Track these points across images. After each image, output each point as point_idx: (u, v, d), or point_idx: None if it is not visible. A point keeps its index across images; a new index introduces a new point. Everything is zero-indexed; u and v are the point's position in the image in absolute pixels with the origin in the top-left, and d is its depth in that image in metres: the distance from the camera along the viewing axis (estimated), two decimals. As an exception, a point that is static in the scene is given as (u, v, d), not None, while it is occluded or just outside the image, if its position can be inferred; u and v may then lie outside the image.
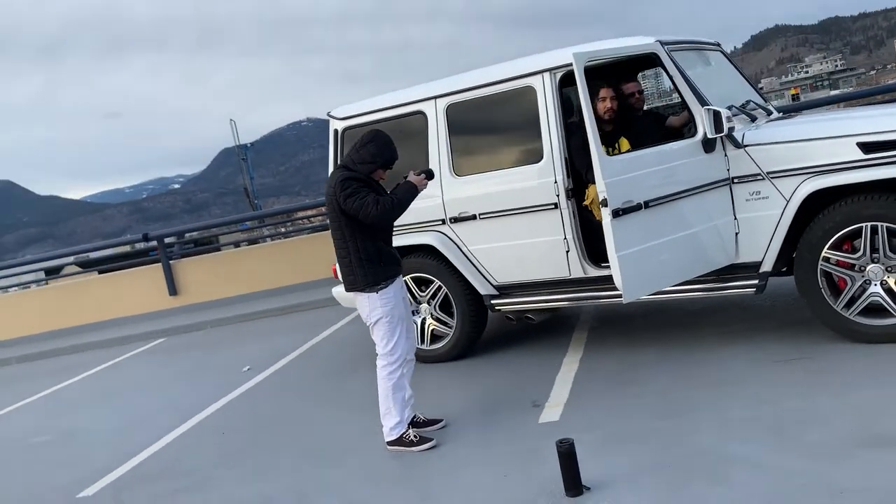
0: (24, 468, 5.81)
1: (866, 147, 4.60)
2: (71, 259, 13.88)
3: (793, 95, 68.06)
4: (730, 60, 6.29)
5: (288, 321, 9.46)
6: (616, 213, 4.52)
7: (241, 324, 10.10)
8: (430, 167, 4.73)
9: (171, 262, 11.49)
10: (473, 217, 5.85)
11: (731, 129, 4.81)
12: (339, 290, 6.65)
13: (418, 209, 6.02)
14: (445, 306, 6.11)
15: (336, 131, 6.45)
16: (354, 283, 4.48)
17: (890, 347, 4.56)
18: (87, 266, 14.95)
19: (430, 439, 4.54)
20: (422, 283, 6.17)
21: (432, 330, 6.20)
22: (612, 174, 4.56)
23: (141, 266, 12.15)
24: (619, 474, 3.70)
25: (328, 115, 6.50)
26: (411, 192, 4.49)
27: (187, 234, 16.20)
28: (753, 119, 5.38)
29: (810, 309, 4.90)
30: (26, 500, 5.10)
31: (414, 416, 4.76)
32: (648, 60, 5.35)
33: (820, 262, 4.77)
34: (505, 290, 5.92)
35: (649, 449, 3.92)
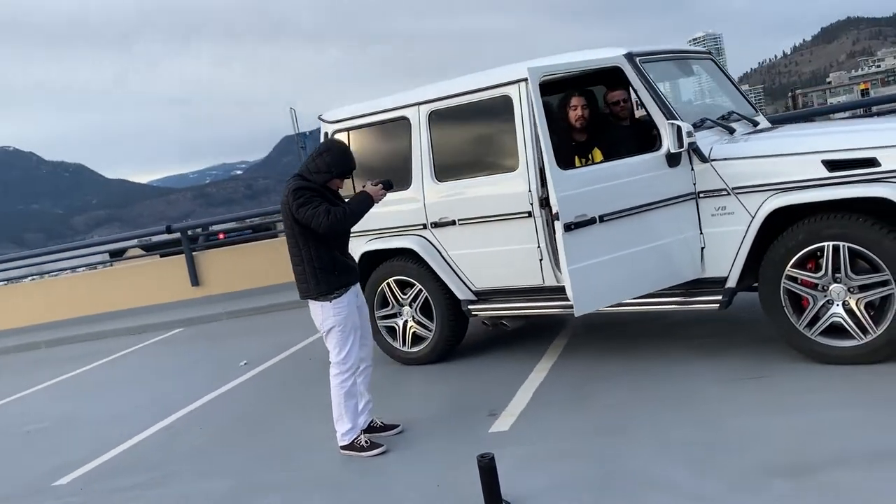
0: (15, 454, 6.09)
1: (831, 165, 4.51)
2: (135, 242, 14.36)
3: (862, 91, 65.85)
4: (721, 70, 6.20)
5: (298, 316, 9.62)
6: (568, 227, 4.53)
7: (255, 316, 10.31)
8: (388, 178, 4.79)
9: (194, 253, 11.80)
10: (453, 223, 5.90)
11: (691, 145, 4.76)
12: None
13: (402, 213, 6.14)
14: (426, 310, 6.18)
15: (326, 134, 6.56)
16: (308, 292, 4.57)
17: (849, 369, 4.48)
18: (150, 249, 15.42)
19: (381, 445, 4.62)
20: (404, 286, 6.25)
21: (413, 332, 6.28)
22: (566, 188, 4.56)
23: (194, 252, 12.33)
24: (542, 490, 3.73)
25: (319, 118, 6.62)
26: (366, 202, 4.57)
27: (225, 224, 16.61)
28: (731, 132, 5.31)
29: (773, 327, 4.83)
30: (5, 485, 5.35)
31: (371, 421, 4.86)
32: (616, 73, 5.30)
33: (783, 280, 4.70)
34: (483, 297, 5.96)
35: (581, 466, 3.93)
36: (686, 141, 4.71)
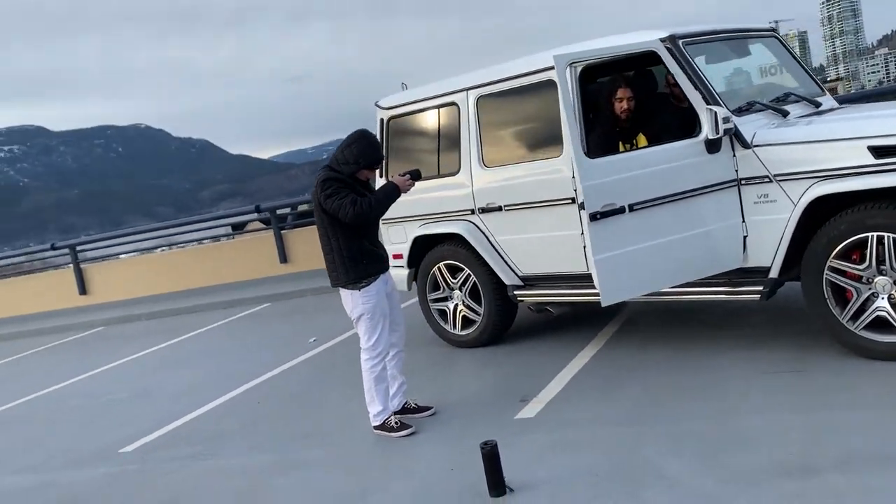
0: (94, 421, 6.58)
1: (878, 151, 4.28)
2: (255, 216, 15.05)
3: None
4: (786, 48, 5.94)
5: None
6: (594, 217, 4.49)
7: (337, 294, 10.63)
8: (417, 168, 4.87)
9: (282, 231, 12.25)
10: (499, 208, 5.94)
11: (728, 131, 4.61)
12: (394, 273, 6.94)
13: (452, 198, 6.21)
14: (475, 294, 6.25)
15: (382, 120, 6.69)
16: (337, 280, 4.73)
17: (891, 365, 4.28)
18: (268, 223, 16.13)
19: (410, 426, 4.76)
20: (454, 271, 6.34)
21: (463, 316, 6.37)
22: (593, 177, 4.52)
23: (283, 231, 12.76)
24: (546, 479, 3.78)
25: (375, 104, 6.75)
26: (392, 193, 4.67)
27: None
28: (785, 114, 5.10)
29: (815, 319, 4.65)
30: (77, 450, 5.81)
31: (406, 402, 5.01)
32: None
33: (826, 271, 4.51)
34: (529, 282, 5.98)
35: (590, 457, 3.94)
36: (722, 127, 4.57)
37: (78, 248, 13.75)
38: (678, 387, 4.65)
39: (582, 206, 4.50)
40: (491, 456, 3.70)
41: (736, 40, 5.60)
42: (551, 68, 5.41)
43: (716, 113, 4.59)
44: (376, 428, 4.82)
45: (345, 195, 4.53)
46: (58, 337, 12.00)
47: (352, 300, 4.72)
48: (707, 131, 4.69)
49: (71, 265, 13.56)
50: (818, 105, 5.47)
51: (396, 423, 4.77)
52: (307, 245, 12.06)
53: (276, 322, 9.67)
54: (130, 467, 5.19)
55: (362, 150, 4.63)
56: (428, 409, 5.02)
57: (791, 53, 5.95)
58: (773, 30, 6.03)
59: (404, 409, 4.97)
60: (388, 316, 4.77)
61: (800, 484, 3.30)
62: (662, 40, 4.90)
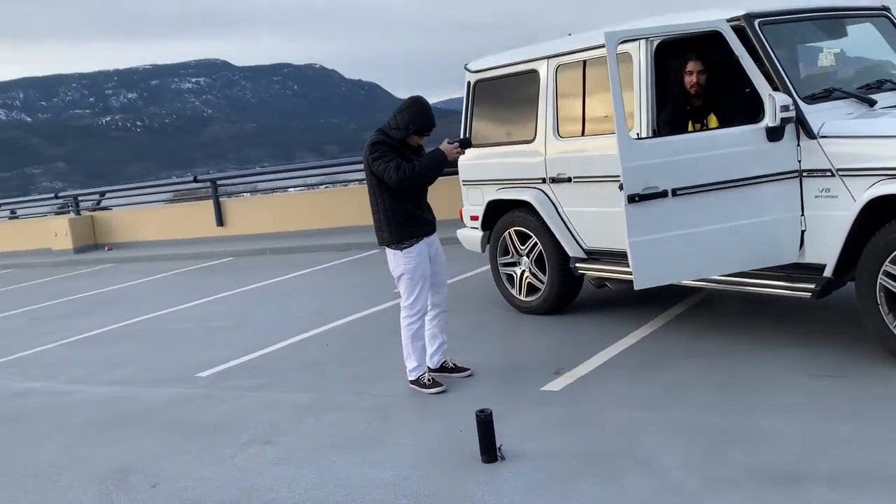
0: (188, 345, 7.21)
1: (949, 153, 3.97)
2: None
3: None
4: (896, 28, 5.51)
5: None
6: (632, 199, 4.43)
7: (447, 245, 10.87)
8: (467, 136, 4.95)
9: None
10: (569, 179, 5.93)
11: (786, 120, 4.38)
12: (463, 232, 7.12)
13: (526, 165, 6.25)
14: (541, 263, 6.30)
15: (469, 83, 6.78)
16: (382, 240, 4.94)
17: (936, 384, 4.02)
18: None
19: (441, 385, 4.95)
20: (523, 237, 6.40)
21: (528, 283, 6.44)
22: (636, 158, 4.45)
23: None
24: (541, 453, 3.87)
25: (465, 67, 6.83)
26: (438, 160, 4.79)
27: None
28: (872, 104, 4.78)
29: (866, 323, 4.41)
30: (162, 368, 6.42)
31: (444, 361, 5.19)
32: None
33: (880, 275, 4.27)
34: (593, 256, 5.96)
35: (593, 436, 4.00)
36: (779, 116, 4.35)
37: (218, 182, 14.75)
38: (711, 378, 4.57)
39: (621, 187, 4.45)
40: (485, 423, 3.83)
41: (830, 20, 5.25)
42: (624, 42, 5.33)
43: (774, 100, 4.38)
44: (411, 382, 5.05)
45: (390, 159, 4.70)
46: (192, 263, 13.02)
47: (394, 259, 4.92)
48: (768, 118, 4.48)
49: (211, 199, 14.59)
50: (920, 96, 5.06)
51: (429, 380, 4.98)
52: (431, 195, 12.36)
53: (380, 268, 10.04)
54: (198, 391, 5.71)
55: (413, 116, 4.77)
56: (465, 370, 5.19)
57: (903, 35, 5.51)
58: (886, 8, 5.57)
59: (442, 368, 5.16)
60: (427, 278, 4.94)
61: (779, 492, 3.23)
62: (734, 20, 4.69)
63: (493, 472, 3.74)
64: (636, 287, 4.58)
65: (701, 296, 6.29)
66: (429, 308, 5.07)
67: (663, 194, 4.47)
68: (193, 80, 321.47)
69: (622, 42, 5.34)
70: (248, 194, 16.06)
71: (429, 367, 5.10)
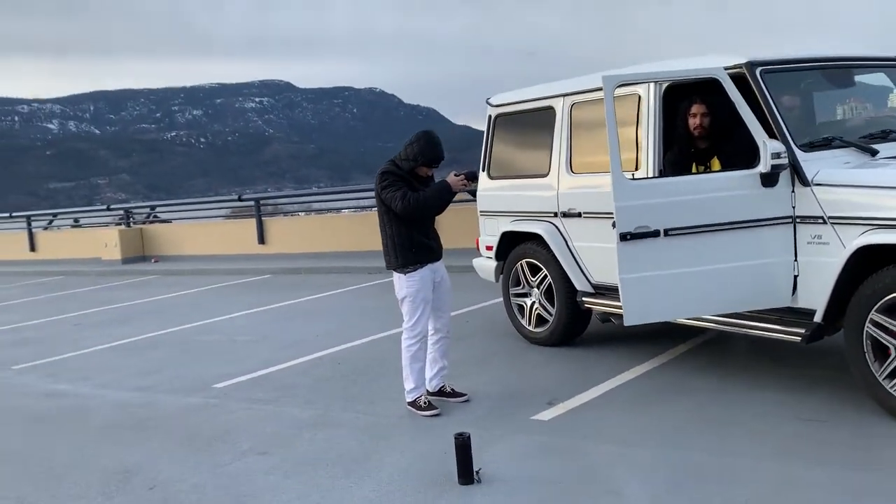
0: (213, 357, 7.49)
1: (936, 207, 4.03)
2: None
3: None
4: (909, 80, 5.56)
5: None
6: (624, 237, 4.56)
7: (465, 274, 11.06)
8: (473, 170, 5.15)
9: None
10: (579, 214, 6.08)
11: (777, 167, 4.47)
12: (479, 262, 7.30)
13: (540, 199, 6.41)
14: (550, 295, 6.43)
15: (490, 116, 7.00)
16: (389, 263, 5.16)
17: (915, 434, 4.05)
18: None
19: (436, 408, 5.11)
20: (534, 269, 6.55)
21: (537, 314, 6.57)
22: (630, 198, 4.58)
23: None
24: (516, 479, 4.01)
25: (486, 101, 7.05)
26: (443, 191, 4.99)
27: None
28: (873, 153, 4.84)
29: (853, 372, 4.45)
30: (183, 379, 6.70)
31: (443, 385, 5.36)
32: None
33: (867, 324, 4.31)
34: (600, 290, 6.08)
35: (572, 466, 4.12)
36: (770, 163, 4.45)
37: (262, 201, 15.20)
38: (700, 416, 4.65)
39: (614, 225, 4.59)
40: (463, 446, 3.99)
41: (843, 70, 5.33)
42: (635, 84, 5.49)
43: (767, 146, 4.48)
44: (408, 404, 5.22)
45: (397, 188, 4.93)
46: (232, 278, 13.42)
47: (398, 282, 5.13)
48: (761, 164, 4.58)
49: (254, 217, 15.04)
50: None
51: (425, 402, 5.14)
52: (451, 224, 12.54)
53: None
54: (213, 401, 5.96)
55: (422, 148, 4.99)
56: (462, 395, 5.34)
57: (916, 87, 5.55)
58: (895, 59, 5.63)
59: (440, 392, 5.33)
60: (429, 302, 5.13)
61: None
62: (736, 67, 4.81)
63: (467, 494, 3.88)
64: (626, 323, 4.69)
65: (708, 336, 6.35)
66: (430, 332, 5.26)
67: (655, 234, 4.59)
68: (257, 99, 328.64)
69: (625, 85, 5.53)
70: (283, 215, 16.49)
71: (427, 390, 5.27)
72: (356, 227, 13.96)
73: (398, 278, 5.13)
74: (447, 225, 11.51)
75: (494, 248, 6.87)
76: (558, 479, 3.97)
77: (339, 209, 16.20)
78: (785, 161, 4.50)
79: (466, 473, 3.98)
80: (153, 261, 16.43)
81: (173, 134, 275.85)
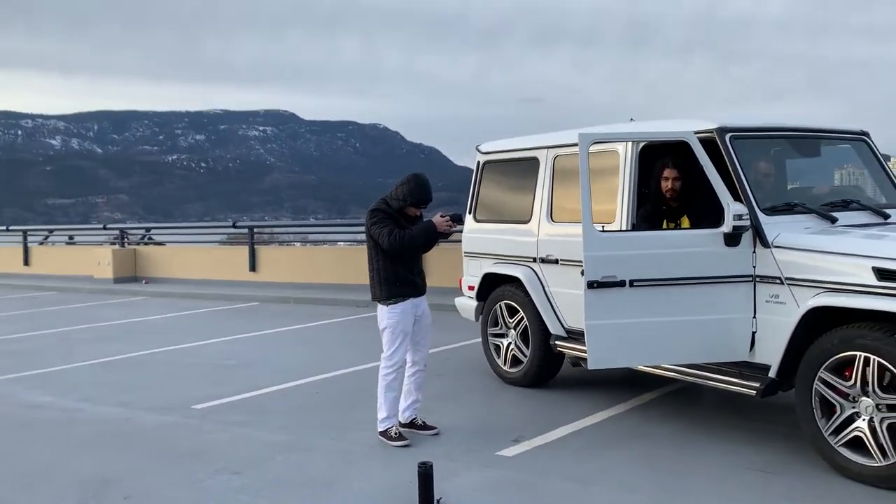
0: (196, 379, 7.68)
1: (882, 273, 4.30)
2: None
3: None
4: (874, 153, 5.88)
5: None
6: (591, 285, 4.82)
7: (452, 313, 11.29)
8: (458, 213, 5.42)
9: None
10: (556, 261, 6.34)
11: (738, 229, 4.75)
12: (461, 301, 7.54)
13: (521, 244, 6.67)
14: (526, 337, 6.66)
15: (479, 162, 7.29)
16: (373, 295, 5.41)
17: (861, 491, 4.26)
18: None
19: (406, 439, 5.31)
20: (512, 311, 6.79)
21: (513, 355, 6.80)
22: (597, 248, 4.85)
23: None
24: (473, 509, 4.20)
25: (476, 148, 7.35)
26: (428, 231, 5.26)
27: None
28: (833, 221, 5.12)
29: (802, 427, 4.67)
30: (165, 398, 6.88)
31: (414, 418, 5.56)
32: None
33: (815, 381, 4.55)
34: (573, 335, 6.31)
35: (526, 501, 4.31)
36: (732, 224, 4.73)
37: (256, 229, 15.45)
38: (654, 461, 4.86)
39: (582, 273, 4.84)
40: (424, 475, 4.17)
41: (805, 139, 5.64)
42: (612, 142, 5.79)
43: (730, 208, 4.76)
44: (380, 433, 5.42)
45: (385, 225, 5.20)
46: (221, 304, 13.61)
47: (380, 313, 5.38)
48: (726, 225, 4.86)
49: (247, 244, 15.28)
50: (886, 217, 5.39)
51: (396, 433, 5.34)
52: (439, 263, 12.79)
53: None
54: (190, 421, 6.14)
55: (411, 189, 5.27)
56: (433, 428, 5.54)
57: (879, 160, 5.86)
58: (865, 133, 5.95)
59: (412, 424, 5.53)
60: (409, 335, 5.36)
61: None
62: (706, 132, 5.11)
63: (426, 521, 4.07)
64: (589, 367, 4.92)
65: (675, 385, 6.57)
66: (408, 364, 5.48)
67: (621, 283, 4.85)
68: (260, 128, 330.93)
69: (598, 143, 5.81)
70: (278, 245, 16.73)
71: (399, 422, 5.47)
72: (346, 260, 14.21)
73: (381, 309, 5.37)
74: (435, 264, 11.82)
75: (476, 289, 7.12)
76: (512, 513, 4.16)
77: (334, 241, 16.46)
78: (747, 223, 4.77)
79: (427, 502, 4.17)
80: (144, 282, 16.61)
81: (174, 157, 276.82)
